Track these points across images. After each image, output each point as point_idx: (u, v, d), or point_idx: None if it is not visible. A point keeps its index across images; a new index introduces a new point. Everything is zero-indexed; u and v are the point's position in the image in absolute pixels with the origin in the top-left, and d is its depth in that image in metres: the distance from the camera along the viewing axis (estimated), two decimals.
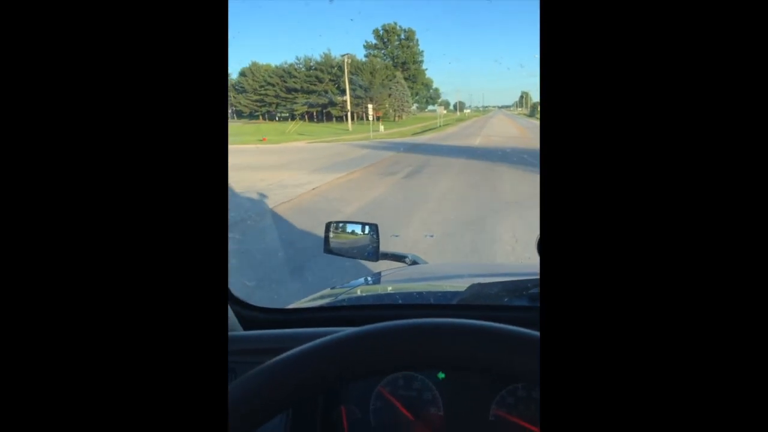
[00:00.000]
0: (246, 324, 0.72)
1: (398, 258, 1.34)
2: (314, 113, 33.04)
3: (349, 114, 25.81)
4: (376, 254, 1.09)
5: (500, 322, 0.37)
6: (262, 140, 15.82)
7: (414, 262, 1.32)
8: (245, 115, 34.87)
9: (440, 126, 25.36)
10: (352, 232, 1.15)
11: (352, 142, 15.65)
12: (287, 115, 33.11)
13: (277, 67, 32.96)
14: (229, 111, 36.32)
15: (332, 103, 30.23)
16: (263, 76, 32.58)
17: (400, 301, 0.93)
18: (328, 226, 1.14)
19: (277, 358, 0.36)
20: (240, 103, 33.61)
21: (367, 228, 1.12)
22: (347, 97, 26.77)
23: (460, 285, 0.83)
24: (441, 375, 0.62)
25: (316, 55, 36.28)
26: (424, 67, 38.26)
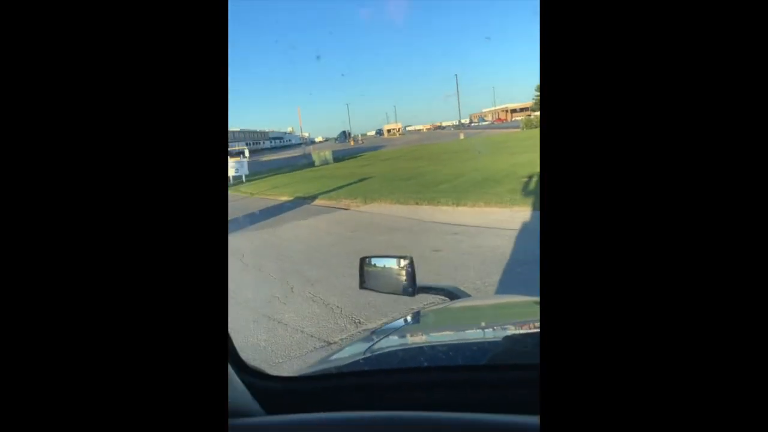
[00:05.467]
0: (262, 397, 0.69)
1: (437, 291, 1.36)
2: None
3: None
4: (413, 289, 1.10)
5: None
6: None
7: (454, 295, 1.34)
8: None
9: None
10: (387, 267, 1.16)
11: None
12: None
13: None
14: None
15: None
16: None
17: (425, 364, 0.93)
18: (362, 261, 1.18)
19: None
20: None
21: (402, 261, 1.13)
22: None
23: (497, 334, 0.95)
24: None
25: None
26: None
